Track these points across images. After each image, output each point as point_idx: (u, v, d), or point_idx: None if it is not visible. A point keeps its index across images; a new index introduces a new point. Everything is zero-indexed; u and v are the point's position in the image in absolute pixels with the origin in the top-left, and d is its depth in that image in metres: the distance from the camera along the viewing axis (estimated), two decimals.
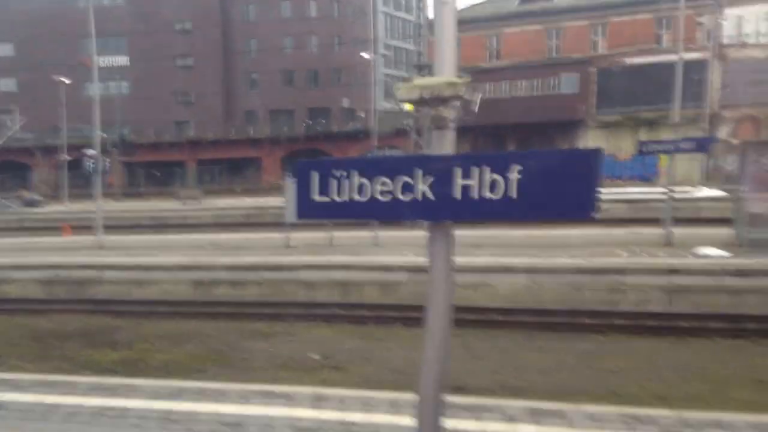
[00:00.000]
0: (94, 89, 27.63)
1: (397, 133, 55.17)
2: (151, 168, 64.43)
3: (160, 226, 34.15)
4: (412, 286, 16.16)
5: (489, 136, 47.77)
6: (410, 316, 14.46)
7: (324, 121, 64.11)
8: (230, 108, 68.29)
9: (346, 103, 65.83)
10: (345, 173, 3.91)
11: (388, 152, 54.41)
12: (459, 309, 14.80)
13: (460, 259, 17.50)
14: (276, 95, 66.44)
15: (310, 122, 64.26)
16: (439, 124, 3.82)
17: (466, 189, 3.72)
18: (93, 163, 26.21)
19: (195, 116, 67.22)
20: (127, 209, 40.38)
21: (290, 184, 20.83)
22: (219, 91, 68.18)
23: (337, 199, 3.92)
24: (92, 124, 27.23)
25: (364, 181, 3.88)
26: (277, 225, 25.51)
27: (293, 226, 22.08)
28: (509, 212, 3.70)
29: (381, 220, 3.90)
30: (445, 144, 3.86)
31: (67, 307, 16.86)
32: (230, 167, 63.54)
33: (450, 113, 3.81)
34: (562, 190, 3.59)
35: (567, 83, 48.20)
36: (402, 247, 20.12)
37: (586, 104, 47.82)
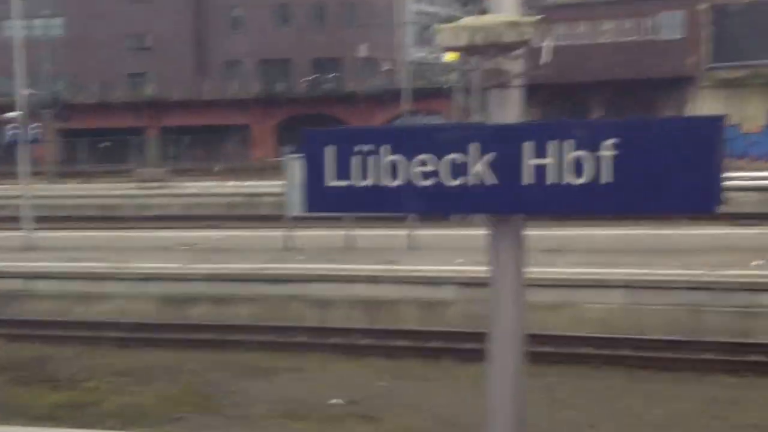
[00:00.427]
0: (15, 29, 27.70)
1: (435, 93, 55.21)
2: (97, 138, 65.06)
3: (111, 218, 34.33)
4: (464, 306, 16.14)
5: (563, 99, 47.58)
6: (463, 347, 14.37)
7: (335, 77, 64.22)
8: (204, 57, 68.60)
9: (364, 50, 65.83)
10: (372, 147, 3.91)
11: (424, 120, 54.34)
12: (534, 338, 14.98)
13: (533, 270, 17.66)
14: (268, 39, 66.71)
15: (316, 77, 64.37)
16: (500, 81, 3.82)
17: (540, 171, 3.72)
18: (15, 131, 26.21)
19: (156, 67, 67.68)
20: (65, 194, 40.68)
21: (293, 163, 20.87)
22: (188, 33, 68.58)
23: (360, 184, 3.94)
24: (13, 77, 27.30)
25: (399, 158, 3.89)
26: (274, 219, 25.57)
27: (297, 222, 22.13)
28: (601, 204, 3.72)
29: (422, 213, 3.82)
30: (509, 108, 3.88)
31: None
32: (206, 138, 64.09)
33: (514, 66, 3.81)
34: (673, 174, 3.60)
35: (668, 25, 47.97)
36: (450, 251, 20.09)
37: (696, 55, 47.47)
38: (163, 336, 16.45)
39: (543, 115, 48.90)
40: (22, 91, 27.17)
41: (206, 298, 18.06)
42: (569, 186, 3.68)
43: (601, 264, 17.63)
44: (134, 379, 13.50)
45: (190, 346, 16.07)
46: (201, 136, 64.37)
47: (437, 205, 3.97)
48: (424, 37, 66.43)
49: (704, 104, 46.82)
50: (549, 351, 14.29)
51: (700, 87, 47.47)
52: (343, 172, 3.96)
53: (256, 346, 15.64)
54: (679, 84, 47.53)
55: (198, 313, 17.81)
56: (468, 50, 3.81)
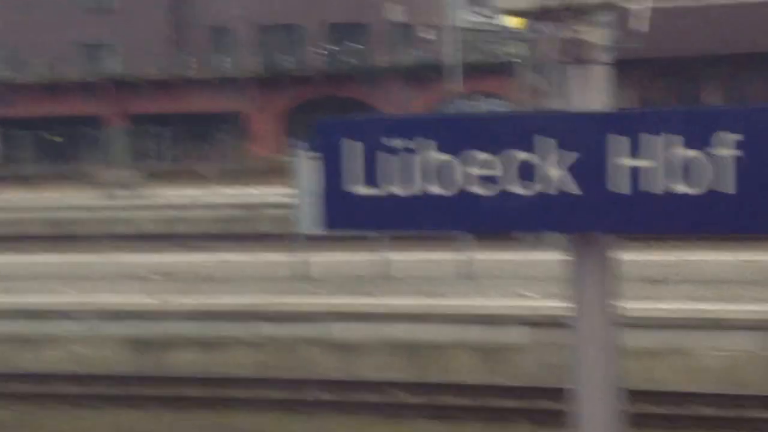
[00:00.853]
0: None
1: (493, 70, 55.19)
2: (43, 129, 65.25)
3: (64, 237, 34.08)
4: (538, 353, 16.25)
5: (666, 79, 47.31)
6: (538, 407, 14.31)
7: (359, 48, 64.22)
8: (184, 23, 68.74)
9: (396, 13, 65.86)
10: (411, 144, 3.95)
11: (480, 106, 54.07)
12: (635, 395, 14.88)
13: (629, 306, 16.94)
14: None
15: (334, 49, 64.39)
16: (580, 56, 3.87)
17: (635, 175, 3.76)
18: None
19: (121, 37, 67.92)
20: (2, 206, 40.70)
21: (305, 163, 20.80)
22: None
23: (395, 192, 4.00)
24: None
25: (447, 158, 3.94)
26: (281, 239, 25.62)
27: (312, 242, 22.22)
28: (718, 221, 3.71)
29: (478, 232, 3.98)
30: (592, 91, 3.94)
31: None
32: (189, 130, 64.18)
33: (598, 35, 3.88)
34: None
35: None
36: (516, 281, 20.13)
37: None
38: (135, 392, 16.50)
39: (640, 101, 48.72)
40: None
41: (192, 342, 18.09)
42: (674, 196, 3.72)
43: (720, 299, 17.62)
44: None
45: (171, 406, 16.02)
46: (182, 128, 64.34)
47: (499, 221, 4.00)
48: None
49: None
50: (655, 412, 14.31)
51: None
52: (371, 175, 4.04)
53: (260, 405, 15.51)
54: None
55: (182, 362, 17.81)
56: (537, 14, 3.91)
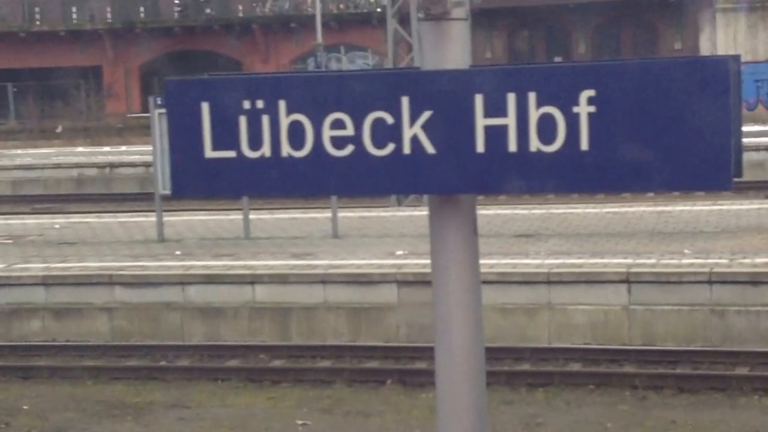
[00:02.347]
0: None
1: (360, 21, 55.36)
2: None
3: None
4: (409, 313, 16.27)
5: (534, 26, 47.85)
6: (412, 368, 14.51)
7: None
8: None
9: None
10: (264, 103, 3.87)
11: (345, 61, 54.02)
12: (507, 352, 15.41)
13: (498, 262, 18.32)
14: None
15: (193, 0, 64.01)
16: (434, 11, 3.73)
17: (495, 134, 3.70)
18: None
19: None
20: None
21: (163, 120, 20.72)
22: None
23: (251, 155, 3.89)
24: None
25: (302, 118, 3.85)
26: (139, 200, 25.37)
27: (172, 203, 21.95)
28: (576, 180, 3.71)
29: (336, 194, 3.76)
30: (450, 47, 3.80)
31: None
32: (41, 87, 63.42)
33: None
34: (670, 137, 3.59)
35: None
36: (386, 240, 20.21)
37: None
38: None
39: (509, 50, 49.27)
40: None
41: (44, 309, 17.94)
42: (536, 154, 3.65)
43: (590, 253, 17.79)
44: None
45: (23, 377, 15.94)
46: (33, 85, 63.67)
47: (357, 183, 3.92)
48: None
49: (723, 33, 47.56)
50: (527, 369, 14.56)
51: (718, 9, 48.13)
52: (221, 138, 3.89)
53: (119, 373, 15.51)
54: (691, 4, 48.18)
55: (33, 331, 17.72)
56: None
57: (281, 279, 17.49)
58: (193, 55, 59.72)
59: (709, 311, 15.60)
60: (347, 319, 16.89)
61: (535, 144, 3.63)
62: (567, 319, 16.06)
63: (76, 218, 26.68)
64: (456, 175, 3.75)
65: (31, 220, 26.65)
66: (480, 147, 3.69)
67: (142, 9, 63.88)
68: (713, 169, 3.55)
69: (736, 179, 3.60)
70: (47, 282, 18.25)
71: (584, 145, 3.60)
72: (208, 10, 63.22)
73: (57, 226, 25.05)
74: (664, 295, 15.85)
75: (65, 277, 18.34)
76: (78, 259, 19.72)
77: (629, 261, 16.79)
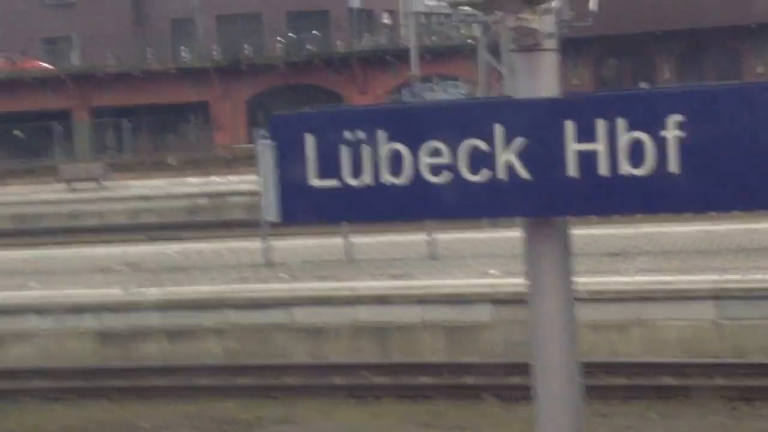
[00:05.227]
0: None
1: (452, 53, 55.16)
2: (6, 125, 64.75)
3: (29, 232, 34.25)
4: (504, 330, 16.25)
5: (621, 56, 47.38)
6: (507, 383, 14.41)
7: (319, 35, 64.06)
8: (144, 14, 68.36)
9: (356, 0, 65.74)
10: (364, 134, 3.93)
11: (438, 91, 53.88)
12: (599, 368, 15.24)
13: (589, 281, 17.64)
14: None
15: (293, 37, 64.16)
16: (526, 42, 3.78)
17: (586, 159, 3.74)
18: None
19: (81, 29, 67.43)
20: None
21: (267, 151, 20.83)
22: None
23: (352, 183, 3.96)
24: None
25: (401, 147, 3.91)
26: (247, 226, 25.50)
27: (277, 229, 22.08)
28: (666, 201, 3.74)
29: (434, 219, 3.92)
30: (541, 77, 3.86)
31: None
32: (154, 122, 63.90)
33: (545, 23, 3.77)
34: (757, 158, 3.58)
35: None
36: (481, 260, 20.15)
37: None
38: (105, 384, 16.46)
39: (596, 78, 48.75)
40: None
41: (160, 332, 18.03)
42: (626, 177, 3.68)
43: (680, 270, 17.71)
44: None
45: (141, 397, 16.01)
46: (146, 120, 64.11)
47: (454, 208, 3.96)
48: None
49: None
50: (619, 384, 14.52)
51: None
52: (328, 167, 3.97)
53: (230, 392, 15.54)
54: None
55: (150, 353, 17.77)
56: (480, 5, 3.79)
57: (381, 300, 17.54)
58: (295, 89, 59.88)
59: None
60: (444, 336, 16.92)
61: (625, 167, 3.66)
62: (658, 334, 16.02)
63: (188, 244, 26.93)
64: (549, 199, 3.78)
65: (147, 248, 26.93)
66: (572, 171, 3.72)
67: (246, 46, 64.16)
68: None
69: None
70: (162, 306, 18.42)
71: (673, 167, 3.62)
72: (308, 46, 63.35)
73: (171, 252, 25.29)
74: (753, 310, 15.77)
75: (179, 302, 18.51)
76: (190, 283, 19.92)
77: (717, 277, 16.70)
